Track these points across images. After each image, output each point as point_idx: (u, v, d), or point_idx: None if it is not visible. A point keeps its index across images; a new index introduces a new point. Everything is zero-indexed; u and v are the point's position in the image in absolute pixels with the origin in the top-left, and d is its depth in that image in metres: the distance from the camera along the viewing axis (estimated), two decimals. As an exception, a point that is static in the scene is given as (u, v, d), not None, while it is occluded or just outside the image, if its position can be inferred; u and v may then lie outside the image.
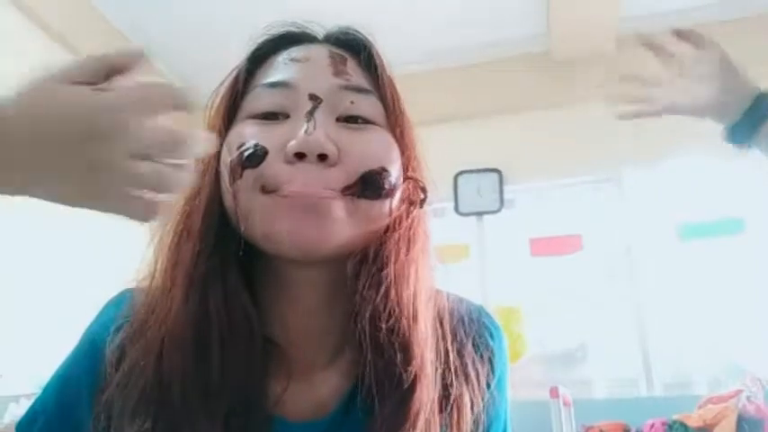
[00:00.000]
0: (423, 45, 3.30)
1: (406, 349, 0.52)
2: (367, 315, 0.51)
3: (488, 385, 0.59)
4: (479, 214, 3.08)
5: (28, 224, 2.59)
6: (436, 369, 0.55)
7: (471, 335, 0.60)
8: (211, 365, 0.50)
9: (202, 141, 0.42)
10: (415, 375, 0.52)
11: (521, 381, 2.83)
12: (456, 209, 3.06)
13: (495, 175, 3.10)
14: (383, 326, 0.51)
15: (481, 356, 0.60)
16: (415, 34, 3.21)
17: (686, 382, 2.76)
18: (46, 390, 0.60)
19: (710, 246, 2.82)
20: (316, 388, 0.56)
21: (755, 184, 2.87)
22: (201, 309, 0.51)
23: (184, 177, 0.41)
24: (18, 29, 2.67)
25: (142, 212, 0.41)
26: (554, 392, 2.18)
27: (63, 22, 2.85)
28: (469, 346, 0.59)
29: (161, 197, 0.42)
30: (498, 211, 3.06)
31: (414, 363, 0.52)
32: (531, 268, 3.03)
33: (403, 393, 0.51)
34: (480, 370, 0.59)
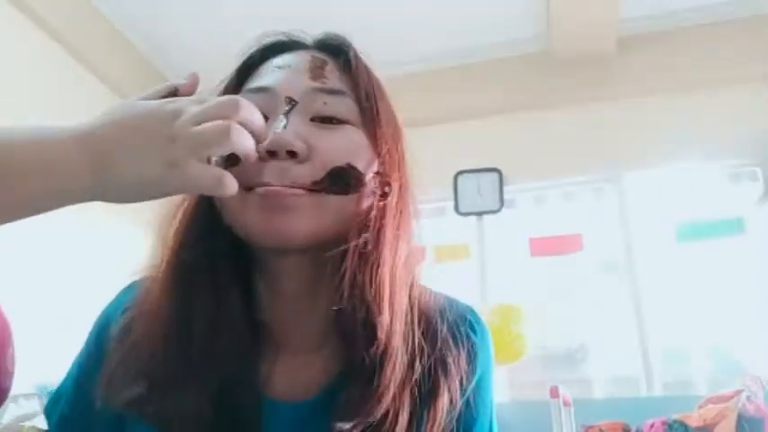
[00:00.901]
0: (423, 45, 3.29)
1: (371, 333, 0.55)
2: (340, 301, 0.56)
3: (468, 382, 0.62)
4: (479, 214, 3.08)
5: (27, 224, 2.59)
6: (411, 357, 0.58)
7: (453, 331, 0.63)
8: (195, 343, 0.55)
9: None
10: (381, 357, 0.55)
11: (521, 381, 2.83)
12: (456, 208, 3.06)
13: (495, 175, 3.10)
14: (351, 312, 0.55)
15: (463, 353, 0.62)
16: (416, 34, 3.21)
17: (686, 382, 2.76)
18: (68, 373, 0.67)
19: (710, 246, 2.82)
20: (303, 370, 0.61)
21: (754, 185, 2.87)
22: (187, 293, 0.57)
23: (238, 134, 0.48)
24: (18, 28, 2.67)
25: (215, 185, 0.47)
26: (554, 392, 2.18)
27: (63, 22, 2.85)
28: (450, 341, 0.62)
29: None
30: (498, 210, 3.06)
31: (376, 345, 0.55)
32: (531, 268, 3.03)
33: (367, 375, 0.55)
34: (461, 366, 0.61)
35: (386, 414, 0.55)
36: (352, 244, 0.56)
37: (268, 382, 0.59)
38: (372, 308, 0.56)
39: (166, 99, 0.52)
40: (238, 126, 0.48)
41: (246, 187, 0.54)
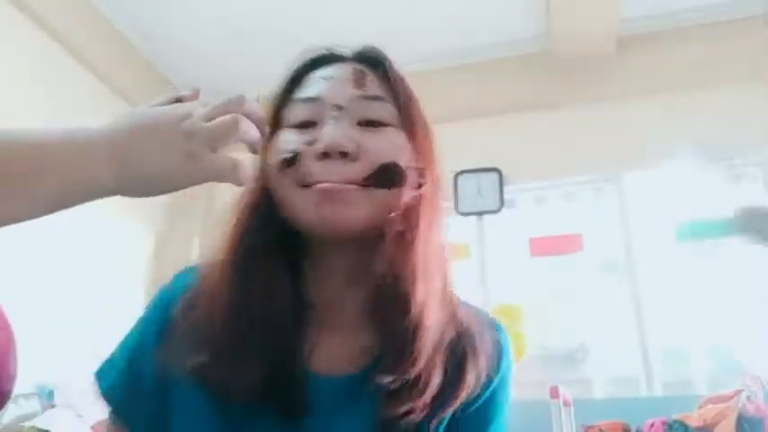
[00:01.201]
0: (423, 45, 3.29)
1: (406, 305, 0.63)
2: (382, 279, 0.64)
3: (495, 373, 0.69)
4: (479, 214, 3.08)
5: (27, 226, 2.59)
6: (442, 333, 0.66)
7: (483, 327, 0.70)
8: (251, 321, 0.63)
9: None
10: (415, 327, 0.63)
11: (521, 381, 2.83)
12: (456, 208, 3.06)
13: (495, 175, 3.10)
14: (390, 288, 0.63)
15: (491, 345, 0.70)
16: (416, 34, 3.22)
17: (686, 382, 2.76)
18: (122, 346, 0.72)
19: (710, 246, 2.82)
20: (343, 348, 0.67)
21: (753, 185, 2.87)
22: (245, 276, 0.64)
23: (246, 127, 0.54)
24: (18, 28, 2.67)
25: (232, 170, 0.53)
26: (554, 392, 2.18)
27: (63, 22, 2.85)
28: (481, 331, 0.69)
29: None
30: (498, 210, 3.06)
31: (411, 315, 0.63)
32: (531, 268, 3.03)
33: (402, 343, 0.62)
34: (488, 353, 0.69)
35: (419, 375, 0.62)
36: (394, 230, 0.64)
37: (311, 357, 0.66)
38: (407, 283, 0.63)
39: (175, 104, 0.58)
40: (245, 118, 0.55)
41: (304, 184, 0.63)
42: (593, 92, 3.20)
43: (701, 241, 2.83)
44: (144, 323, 0.72)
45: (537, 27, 3.19)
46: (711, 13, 3.08)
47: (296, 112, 0.67)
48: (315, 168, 0.62)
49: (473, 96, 3.32)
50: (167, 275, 0.77)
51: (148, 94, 3.33)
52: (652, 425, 2.25)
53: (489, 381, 0.68)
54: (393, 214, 0.64)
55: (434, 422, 0.64)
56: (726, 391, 2.24)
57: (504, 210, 3.06)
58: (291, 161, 0.63)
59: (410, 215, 0.65)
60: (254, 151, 0.60)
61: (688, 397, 2.43)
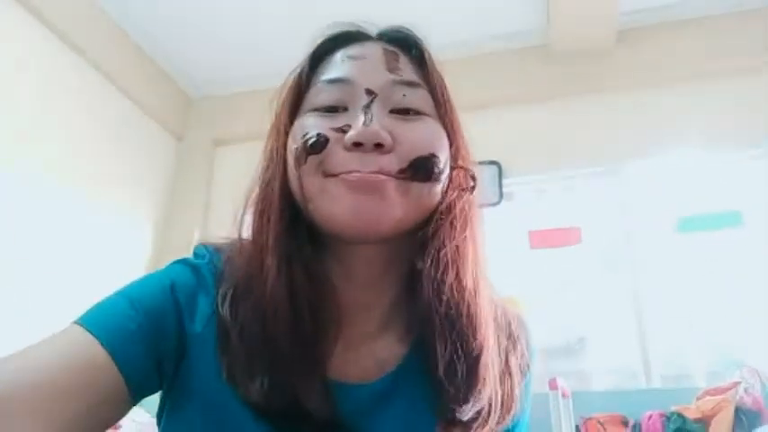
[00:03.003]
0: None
1: (473, 320, 0.59)
2: (431, 290, 0.58)
3: (528, 370, 0.68)
4: (479, 206, 3.08)
5: (27, 226, 2.59)
6: (498, 344, 0.64)
7: (512, 325, 0.68)
8: (305, 327, 0.57)
9: None
10: (481, 345, 0.59)
11: (520, 373, 2.84)
12: (455, 201, 3.06)
13: (494, 168, 3.10)
14: (448, 299, 0.58)
15: (523, 343, 0.69)
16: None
17: (684, 374, 2.77)
18: (133, 304, 0.58)
19: (709, 238, 2.83)
20: (370, 353, 0.63)
21: (754, 177, 2.87)
22: (290, 281, 0.57)
23: None
24: (19, 25, 2.66)
25: None
26: (553, 384, 2.19)
27: (64, 19, 2.84)
28: (516, 330, 0.68)
29: None
30: (497, 203, 3.06)
31: (480, 332, 0.59)
32: (530, 261, 3.03)
33: (473, 360, 0.58)
34: (522, 351, 0.68)
35: (485, 403, 0.60)
36: (445, 234, 0.59)
37: (336, 366, 0.60)
38: (467, 295, 0.59)
39: None
40: None
41: (331, 174, 0.56)
42: (592, 84, 3.19)
43: (700, 234, 2.84)
44: (163, 294, 0.60)
45: (536, 20, 3.18)
46: (710, 5, 3.07)
47: (321, 96, 0.60)
48: (345, 158, 0.56)
49: (472, 89, 3.31)
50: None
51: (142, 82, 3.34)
52: (650, 417, 2.26)
53: (523, 374, 0.68)
54: (446, 216, 0.60)
55: None
56: (724, 384, 2.25)
57: (503, 202, 3.06)
58: (317, 147, 0.56)
59: (459, 216, 0.61)
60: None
61: (686, 389, 2.44)
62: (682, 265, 2.85)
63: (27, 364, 0.49)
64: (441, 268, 0.58)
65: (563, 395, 2.21)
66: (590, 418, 2.35)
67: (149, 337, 0.56)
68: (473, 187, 0.64)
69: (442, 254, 0.58)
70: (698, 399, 2.25)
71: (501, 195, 3.06)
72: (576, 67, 3.19)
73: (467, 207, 0.62)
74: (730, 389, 2.20)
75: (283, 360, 0.56)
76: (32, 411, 0.46)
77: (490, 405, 0.59)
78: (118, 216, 3.17)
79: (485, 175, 3.09)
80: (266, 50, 3.26)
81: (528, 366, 0.68)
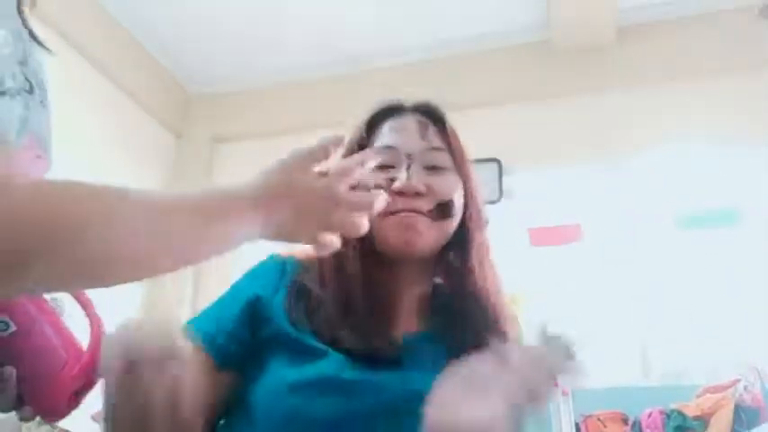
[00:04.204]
0: (422, 35, 3.28)
1: (497, 311, 0.87)
2: (461, 289, 0.88)
3: None
4: (488, 235, 3.07)
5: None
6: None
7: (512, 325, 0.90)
8: (374, 299, 0.85)
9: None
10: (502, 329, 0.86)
11: (519, 370, 2.83)
12: (455, 199, 3.05)
13: (494, 165, 3.09)
14: (476, 296, 0.87)
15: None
16: (415, 24, 3.20)
17: (684, 372, 2.77)
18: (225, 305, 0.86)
19: (709, 235, 2.83)
20: (409, 321, 0.88)
21: (754, 174, 2.87)
22: (365, 274, 0.85)
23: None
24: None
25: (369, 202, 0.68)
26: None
27: (63, 15, 2.83)
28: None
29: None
30: (498, 201, 3.05)
31: (501, 321, 0.86)
32: (530, 258, 3.03)
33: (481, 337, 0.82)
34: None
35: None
36: (473, 256, 0.89)
37: (390, 331, 0.85)
38: (491, 297, 0.87)
39: (318, 178, 0.67)
40: (381, 195, 0.70)
41: (385, 214, 0.79)
42: (592, 81, 3.19)
43: (700, 230, 2.84)
44: (251, 281, 0.88)
45: (536, 16, 3.17)
46: (710, 2, 3.07)
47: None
48: (394, 202, 0.80)
49: (472, 86, 3.31)
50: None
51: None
52: (650, 414, 2.26)
53: None
54: (470, 242, 0.89)
55: None
56: (723, 381, 2.25)
57: (503, 200, 3.06)
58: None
59: (483, 243, 0.90)
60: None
61: (686, 387, 2.44)
62: (682, 262, 2.85)
63: None
64: (470, 278, 0.88)
65: (563, 392, 2.21)
66: (590, 416, 2.36)
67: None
68: (485, 222, 0.92)
69: (469, 267, 0.88)
70: (698, 396, 2.25)
71: (501, 193, 3.06)
72: (576, 64, 3.19)
73: (486, 237, 0.91)
74: (730, 387, 2.20)
75: (362, 317, 0.81)
76: None
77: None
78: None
79: (485, 173, 3.10)
80: (266, 48, 3.25)
81: None
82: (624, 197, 3.04)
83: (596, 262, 3.03)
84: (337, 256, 0.81)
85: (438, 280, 0.91)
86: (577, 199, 3.14)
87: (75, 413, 0.66)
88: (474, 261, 0.88)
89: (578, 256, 3.01)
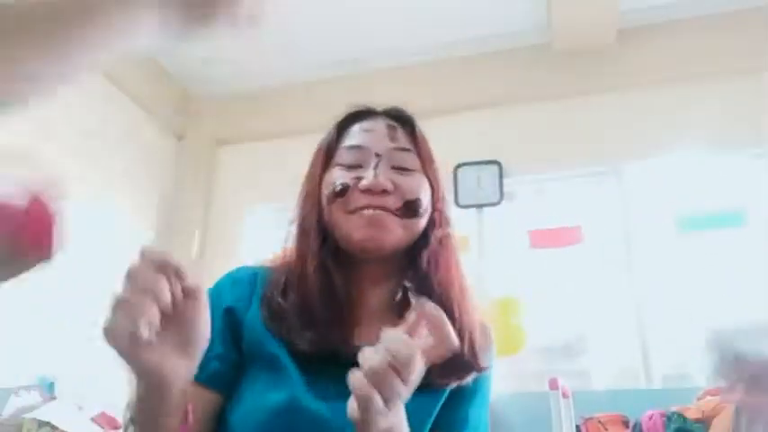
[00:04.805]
0: (423, 37, 3.29)
1: (462, 316, 0.84)
2: (426, 291, 0.83)
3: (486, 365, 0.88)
4: (479, 206, 3.08)
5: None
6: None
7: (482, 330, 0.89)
8: (335, 304, 0.83)
9: None
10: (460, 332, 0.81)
11: (520, 372, 2.84)
12: (456, 201, 3.06)
13: (495, 167, 3.10)
14: (440, 296, 0.84)
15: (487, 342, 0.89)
16: (416, 26, 3.21)
17: (685, 374, 2.77)
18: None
19: (710, 238, 2.83)
20: (377, 328, 0.82)
21: (755, 177, 2.87)
22: (324, 276, 0.84)
23: None
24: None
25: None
26: (553, 384, 2.19)
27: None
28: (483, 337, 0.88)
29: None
30: (498, 203, 3.06)
31: (465, 325, 0.84)
32: (530, 260, 3.03)
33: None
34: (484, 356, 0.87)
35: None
36: (434, 256, 0.86)
37: (353, 336, 0.83)
38: (451, 293, 0.85)
39: None
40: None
41: (351, 211, 0.83)
42: (593, 84, 3.19)
43: (701, 232, 2.84)
44: (220, 292, 0.87)
45: (537, 19, 3.18)
46: (711, 4, 3.07)
47: (345, 156, 0.88)
48: (360, 199, 0.83)
49: (473, 88, 3.31)
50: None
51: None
52: (651, 417, 2.25)
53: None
54: (434, 242, 0.87)
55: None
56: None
57: (503, 202, 3.06)
58: (342, 193, 0.84)
59: (445, 243, 0.88)
60: None
61: (686, 389, 2.44)
62: (682, 265, 2.85)
63: None
64: (429, 277, 0.86)
65: (563, 395, 2.21)
66: (590, 418, 2.35)
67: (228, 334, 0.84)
68: (448, 223, 0.91)
69: (432, 270, 0.86)
70: (698, 399, 2.25)
71: (501, 195, 3.06)
72: (576, 67, 3.19)
73: (448, 238, 0.89)
74: (731, 389, 2.19)
75: (322, 323, 0.81)
76: None
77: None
78: (118, 214, 3.17)
79: (485, 175, 3.11)
80: (267, 51, 3.26)
81: (489, 367, 0.87)
82: (624, 199, 3.04)
83: (596, 264, 3.03)
84: (301, 259, 0.86)
85: (408, 283, 0.88)
86: (578, 201, 3.15)
87: (75, 414, 0.66)
88: (440, 263, 0.87)
89: (578, 258, 3.01)
